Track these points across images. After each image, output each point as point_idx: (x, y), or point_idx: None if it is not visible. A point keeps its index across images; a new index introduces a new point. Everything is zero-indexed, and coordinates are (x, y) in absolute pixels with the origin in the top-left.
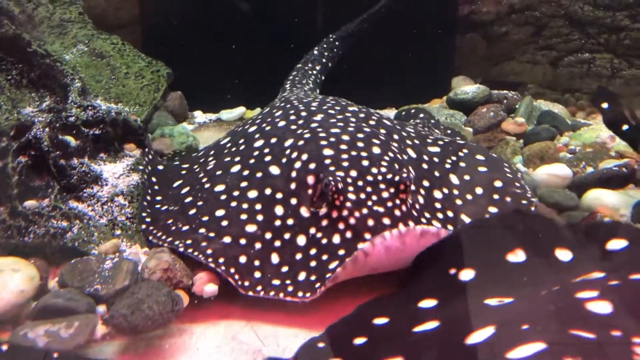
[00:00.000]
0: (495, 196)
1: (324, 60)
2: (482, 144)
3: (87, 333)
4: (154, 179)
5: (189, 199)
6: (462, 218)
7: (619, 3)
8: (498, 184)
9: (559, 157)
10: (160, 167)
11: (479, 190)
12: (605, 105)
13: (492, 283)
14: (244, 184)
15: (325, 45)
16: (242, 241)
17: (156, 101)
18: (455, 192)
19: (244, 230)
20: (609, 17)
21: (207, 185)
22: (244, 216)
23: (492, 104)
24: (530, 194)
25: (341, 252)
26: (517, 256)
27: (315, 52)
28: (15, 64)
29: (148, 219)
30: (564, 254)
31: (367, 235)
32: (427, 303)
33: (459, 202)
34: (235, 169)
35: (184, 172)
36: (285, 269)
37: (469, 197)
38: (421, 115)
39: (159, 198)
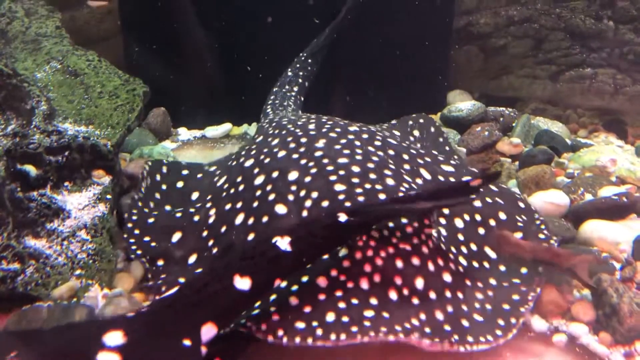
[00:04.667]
0: (519, 223)
1: (300, 80)
2: (476, 166)
3: None
4: (146, 238)
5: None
6: (486, 252)
7: (622, 16)
8: (519, 218)
9: (556, 182)
10: (146, 211)
11: (502, 216)
12: None
13: None
14: (251, 235)
15: (298, 65)
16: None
17: (130, 122)
18: (478, 217)
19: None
20: (612, 31)
21: (215, 251)
22: None
23: (487, 123)
24: (547, 232)
25: (373, 300)
26: None
27: (290, 73)
28: None
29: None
30: None
31: (398, 280)
32: None
33: (481, 230)
34: (240, 219)
35: (179, 214)
36: (307, 309)
37: (492, 222)
38: (421, 120)
39: (160, 263)
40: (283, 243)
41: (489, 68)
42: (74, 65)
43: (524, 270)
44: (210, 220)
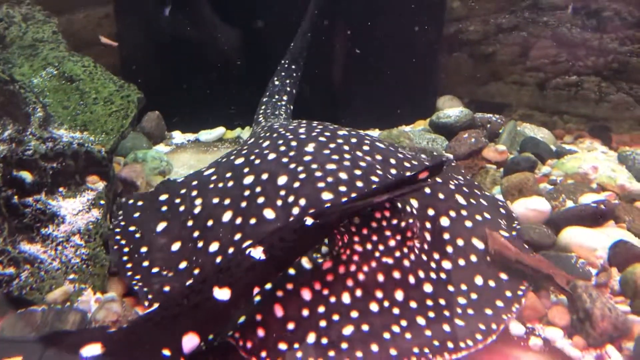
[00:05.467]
0: (503, 222)
1: (287, 88)
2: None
3: None
4: (131, 228)
5: (183, 265)
6: (473, 244)
7: (607, 25)
8: (502, 220)
9: (539, 189)
10: (134, 202)
11: (487, 215)
12: None
13: None
14: (237, 236)
15: (283, 73)
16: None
17: (124, 129)
18: (464, 212)
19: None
20: (597, 40)
21: (200, 245)
22: None
23: (474, 130)
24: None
25: (354, 314)
26: None
27: (277, 82)
28: None
29: (137, 277)
30: None
31: (379, 294)
32: None
33: (468, 223)
34: (227, 217)
35: (164, 207)
36: (291, 326)
37: (478, 217)
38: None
39: (144, 250)
40: (257, 252)
41: (478, 74)
42: (70, 71)
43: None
44: (196, 210)
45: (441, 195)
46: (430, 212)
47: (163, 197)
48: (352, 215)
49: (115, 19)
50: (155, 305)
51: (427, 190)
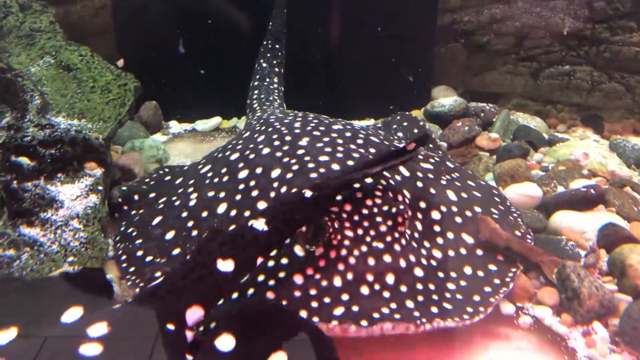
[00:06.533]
0: (495, 216)
1: (276, 69)
2: (456, 160)
3: None
4: (126, 220)
5: (176, 251)
6: (463, 238)
7: (599, 15)
8: (495, 210)
9: (531, 175)
10: (135, 197)
11: (477, 209)
12: None
13: None
14: (232, 227)
15: (269, 54)
16: (234, 295)
17: (121, 117)
18: (454, 208)
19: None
20: (589, 30)
21: (194, 233)
22: None
23: (468, 118)
24: (523, 227)
25: (345, 296)
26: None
27: (265, 64)
28: None
29: (131, 269)
30: None
31: (369, 277)
32: None
33: (458, 219)
34: (222, 209)
35: (161, 205)
36: (283, 303)
37: (468, 214)
38: (405, 123)
39: (139, 242)
40: (259, 224)
41: (472, 65)
42: (67, 60)
43: (500, 257)
44: (191, 203)
45: (432, 191)
46: (422, 204)
47: (159, 198)
48: (349, 187)
49: (112, 9)
50: (159, 280)
51: (419, 184)
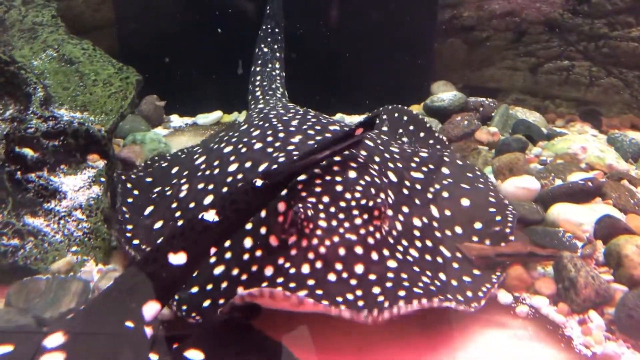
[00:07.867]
0: (475, 239)
1: (277, 54)
2: (456, 154)
3: None
4: (124, 208)
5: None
6: (441, 250)
7: (597, 11)
8: (478, 225)
9: (529, 168)
10: (130, 186)
11: (458, 230)
12: None
13: None
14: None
15: (269, 39)
16: (209, 287)
17: (123, 109)
18: (435, 224)
19: (211, 275)
20: (588, 25)
21: (180, 223)
22: (212, 259)
23: (467, 113)
24: (510, 229)
25: (310, 282)
26: None
27: (266, 49)
28: None
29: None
30: None
31: (338, 265)
32: None
33: (437, 234)
34: (208, 200)
35: (155, 195)
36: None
37: (448, 233)
38: (405, 118)
39: (129, 227)
40: (210, 215)
41: (472, 60)
42: (69, 53)
43: (476, 272)
44: (182, 194)
45: (417, 201)
46: (405, 209)
47: (155, 187)
48: (300, 174)
49: (113, 3)
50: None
51: (405, 191)
